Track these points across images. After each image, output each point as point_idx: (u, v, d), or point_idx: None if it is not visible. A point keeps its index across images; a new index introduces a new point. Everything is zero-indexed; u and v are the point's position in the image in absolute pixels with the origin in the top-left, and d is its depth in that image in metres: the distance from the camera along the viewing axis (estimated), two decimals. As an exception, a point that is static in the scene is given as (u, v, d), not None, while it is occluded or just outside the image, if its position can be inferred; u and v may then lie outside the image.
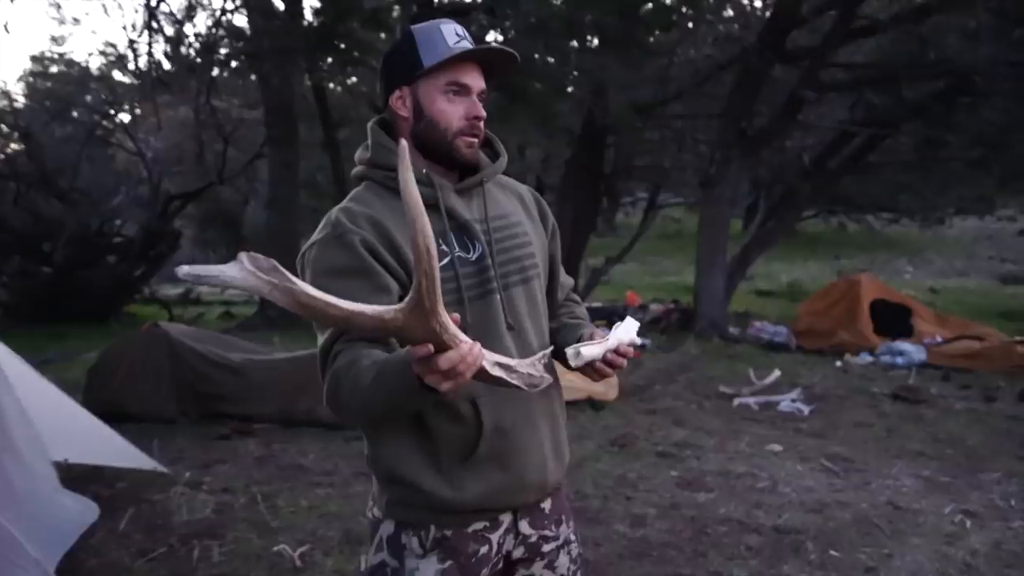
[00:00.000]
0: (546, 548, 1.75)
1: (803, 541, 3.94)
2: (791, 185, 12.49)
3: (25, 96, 20.73)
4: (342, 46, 9.68)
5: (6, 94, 15.72)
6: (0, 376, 3.88)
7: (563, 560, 1.78)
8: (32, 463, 3.83)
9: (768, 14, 10.79)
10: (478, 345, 1.26)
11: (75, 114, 17.54)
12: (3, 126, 14.27)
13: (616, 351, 1.60)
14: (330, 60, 10.23)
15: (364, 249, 1.50)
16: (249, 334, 9.07)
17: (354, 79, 13.21)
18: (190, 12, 10.70)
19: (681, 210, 24.25)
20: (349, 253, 1.50)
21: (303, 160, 13.66)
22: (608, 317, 10.55)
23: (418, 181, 1.27)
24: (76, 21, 36.59)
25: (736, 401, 6.93)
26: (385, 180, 1.62)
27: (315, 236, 1.57)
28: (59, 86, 21.26)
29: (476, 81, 1.61)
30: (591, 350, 1.58)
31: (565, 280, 1.90)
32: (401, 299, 1.27)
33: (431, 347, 1.20)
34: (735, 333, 10.33)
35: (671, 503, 4.49)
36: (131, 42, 10.78)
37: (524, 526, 1.70)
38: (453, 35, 1.59)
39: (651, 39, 9.13)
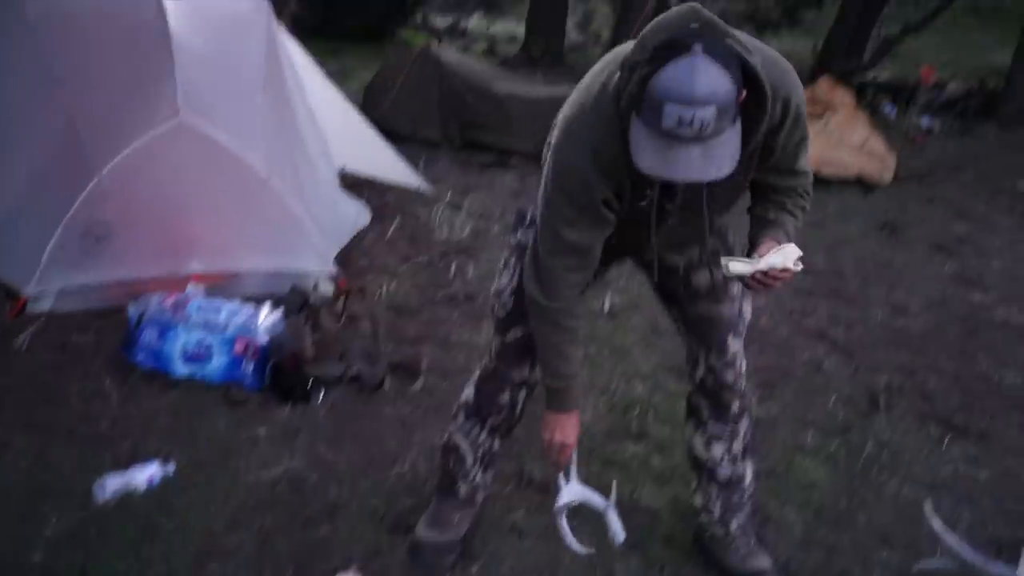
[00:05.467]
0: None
1: (1096, 361, 3.51)
2: None
3: None
4: None
5: None
6: (296, 82, 4.14)
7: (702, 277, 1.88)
8: (318, 165, 4.16)
9: None
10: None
11: None
12: None
13: (766, 274, 1.56)
14: None
15: (587, 193, 1.66)
16: (510, 71, 9.06)
17: None
18: None
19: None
20: (576, 202, 1.72)
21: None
22: (896, 93, 9.40)
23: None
24: None
25: (1037, 201, 6.05)
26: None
27: (562, 138, 1.75)
28: None
29: None
30: (739, 266, 1.57)
31: (782, 182, 1.69)
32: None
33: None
34: (1050, 126, 8.83)
35: (941, 298, 4.12)
36: None
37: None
38: (674, 119, 1.29)
39: None
